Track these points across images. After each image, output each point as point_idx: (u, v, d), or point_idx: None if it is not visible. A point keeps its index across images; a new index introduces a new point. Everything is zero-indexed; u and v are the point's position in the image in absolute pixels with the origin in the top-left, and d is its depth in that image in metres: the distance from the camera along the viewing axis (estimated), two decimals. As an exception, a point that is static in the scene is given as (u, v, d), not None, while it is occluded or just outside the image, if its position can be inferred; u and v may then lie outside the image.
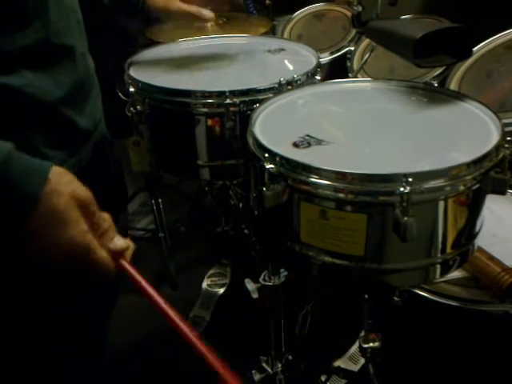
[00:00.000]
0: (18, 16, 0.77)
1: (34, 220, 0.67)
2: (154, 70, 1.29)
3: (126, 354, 1.71)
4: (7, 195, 0.65)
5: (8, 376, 0.94)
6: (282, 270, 1.35)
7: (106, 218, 0.74)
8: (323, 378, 1.52)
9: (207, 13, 1.27)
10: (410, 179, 0.75)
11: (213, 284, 2.00)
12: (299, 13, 2.04)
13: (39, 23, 0.80)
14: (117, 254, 0.74)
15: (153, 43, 1.59)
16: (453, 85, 1.40)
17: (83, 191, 0.71)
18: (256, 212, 0.95)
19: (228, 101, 1.10)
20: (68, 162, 0.88)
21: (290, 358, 1.46)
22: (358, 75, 1.65)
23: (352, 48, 1.81)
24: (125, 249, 0.75)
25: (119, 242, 0.75)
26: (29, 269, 0.84)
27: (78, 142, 0.93)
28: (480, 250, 1.03)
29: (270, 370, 1.45)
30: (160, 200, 2.00)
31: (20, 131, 0.79)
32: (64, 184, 0.69)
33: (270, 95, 1.10)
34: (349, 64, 1.75)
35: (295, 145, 0.89)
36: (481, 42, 1.36)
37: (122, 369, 1.65)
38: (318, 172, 0.79)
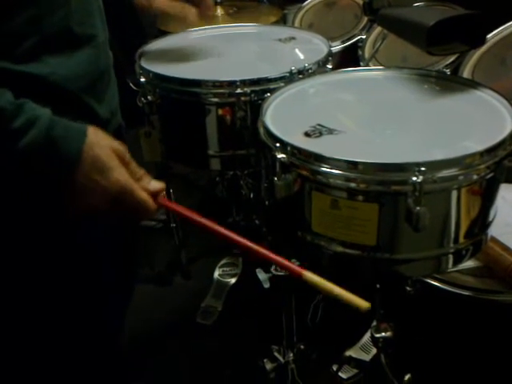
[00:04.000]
0: (43, 5, 0.78)
1: (82, 171, 0.77)
2: (164, 60, 1.29)
3: (142, 341, 1.72)
4: (53, 153, 0.75)
5: (26, 362, 0.96)
6: (293, 259, 1.35)
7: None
8: (335, 368, 1.53)
9: (191, 16, 1.16)
10: (423, 168, 0.74)
11: (224, 274, 2.00)
12: (310, 1, 2.02)
13: (62, 12, 0.82)
14: (154, 195, 0.85)
15: (163, 33, 1.59)
16: (466, 73, 1.38)
17: (118, 143, 0.82)
18: (267, 202, 0.95)
19: (239, 90, 1.10)
20: None
21: (302, 347, 1.47)
22: (370, 64, 1.63)
23: (363, 36, 1.80)
24: (161, 189, 0.86)
25: (155, 183, 0.86)
26: (53, 256, 0.87)
27: None
28: (493, 239, 1.03)
29: (281, 359, 1.45)
30: (171, 190, 2.00)
31: None
32: (101, 138, 0.80)
33: (281, 84, 1.09)
34: (360, 52, 1.73)
35: (306, 134, 0.89)
36: (494, 30, 1.34)
37: (138, 355, 1.67)
38: (330, 161, 0.79)
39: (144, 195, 0.82)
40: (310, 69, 1.15)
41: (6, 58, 0.76)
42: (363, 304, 0.72)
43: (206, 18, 1.20)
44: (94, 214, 0.82)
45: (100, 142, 0.79)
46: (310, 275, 0.76)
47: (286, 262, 0.80)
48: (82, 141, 0.77)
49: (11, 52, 0.77)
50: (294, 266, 0.79)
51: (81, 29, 0.86)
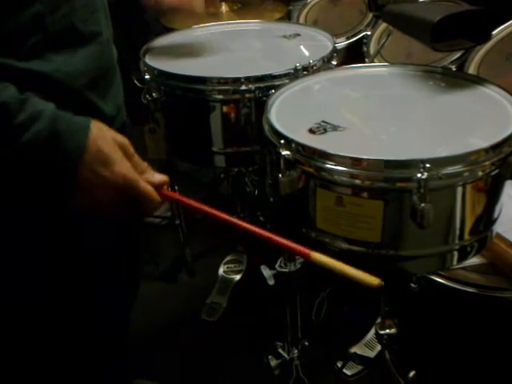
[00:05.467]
0: (47, 2, 0.78)
1: (85, 164, 0.77)
2: (169, 57, 1.29)
3: (147, 338, 1.73)
4: (57, 147, 0.75)
5: (28, 362, 0.96)
6: (297, 256, 1.35)
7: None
8: (339, 364, 1.53)
9: (198, 7, 1.21)
10: (428, 165, 0.74)
11: (229, 271, 2.01)
12: (315, -3, 2.02)
13: (66, 9, 0.81)
14: (158, 187, 0.85)
15: (168, 30, 1.59)
16: (471, 69, 1.38)
17: (121, 137, 0.82)
18: (272, 199, 0.95)
19: (243, 87, 1.10)
20: None
21: (307, 343, 1.47)
22: (375, 60, 1.63)
23: (369, 32, 1.79)
24: (164, 182, 0.86)
25: (158, 176, 0.86)
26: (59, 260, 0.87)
27: None
28: (499, 236, 1.02)
29: (286, 356, 1.45)
30: (176, 187, 2.01)
31: None
32: (105, 131, 0.80)
33: (286, 81, 1.09)
34: (365, 49, 1.73)
35: (311, 131, 0.89)
36: (500, 26, 1.33)
37: (143, 352, 1.67)
38: (334, 158, 0.79)
39: (148, 187, 0.82)
40: (315, 65, 1.15)
41: (9, 55, 0.76)
42: (374, 281, 0.69)
43: (213, 8, 1.22)
44: (99, 213, 0.81)
45: (103, 135, 0.79)
46: (318, 256, 0.73)
47: (293, 244, 0.77)
48: (86, 135, 0.77)
49: (15, 49, 0.77)
50: (301, 247, 0.76)
51: (84, 26, 0.86)
